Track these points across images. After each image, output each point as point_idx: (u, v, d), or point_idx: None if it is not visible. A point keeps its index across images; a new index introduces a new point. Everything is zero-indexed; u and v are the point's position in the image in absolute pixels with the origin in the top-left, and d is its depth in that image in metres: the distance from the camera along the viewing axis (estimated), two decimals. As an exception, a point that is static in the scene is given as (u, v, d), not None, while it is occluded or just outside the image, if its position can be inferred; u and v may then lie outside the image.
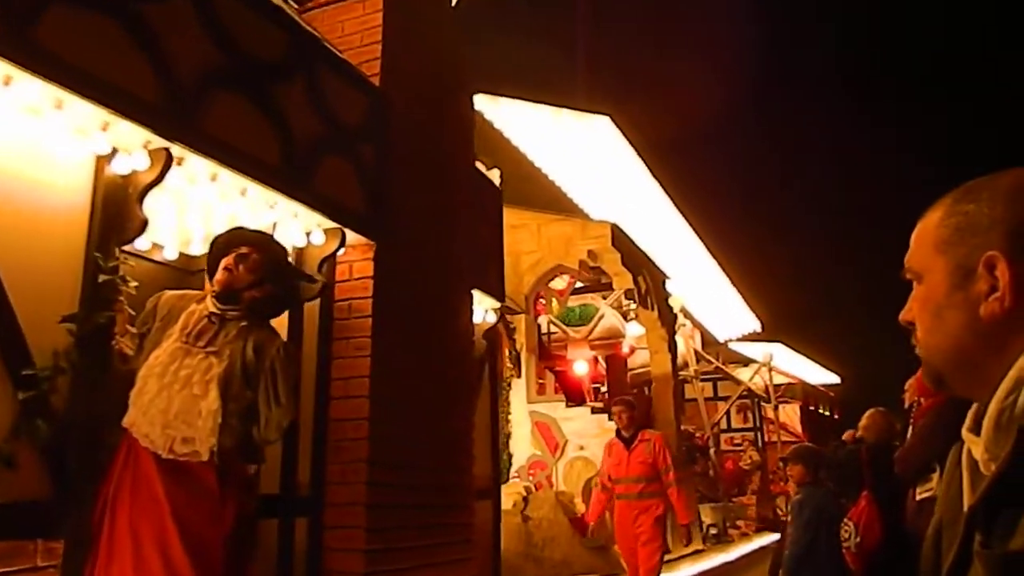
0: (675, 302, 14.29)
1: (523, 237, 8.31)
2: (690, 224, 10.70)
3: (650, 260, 9.04)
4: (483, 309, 5.01)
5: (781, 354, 18.95)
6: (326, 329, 3.72)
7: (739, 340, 17.62)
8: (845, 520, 4.39)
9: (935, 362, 0.87)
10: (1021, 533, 0.68)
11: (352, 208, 3.68)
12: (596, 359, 12.77)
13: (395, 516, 3.69)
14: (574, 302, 11.08)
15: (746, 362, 19.23)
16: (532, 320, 8.20)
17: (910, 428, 4.04)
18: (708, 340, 17.44)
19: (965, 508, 0.79)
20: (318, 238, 3.53)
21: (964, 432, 0.84)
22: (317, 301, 3.67)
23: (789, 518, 4.82)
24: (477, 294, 4.84)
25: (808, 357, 20.31)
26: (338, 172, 3.60)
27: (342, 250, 3.63)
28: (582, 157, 8.52)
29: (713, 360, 16.38)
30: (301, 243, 3.52)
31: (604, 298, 11.95)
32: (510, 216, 8.57)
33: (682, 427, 13.08)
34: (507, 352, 8.01)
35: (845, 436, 8.17)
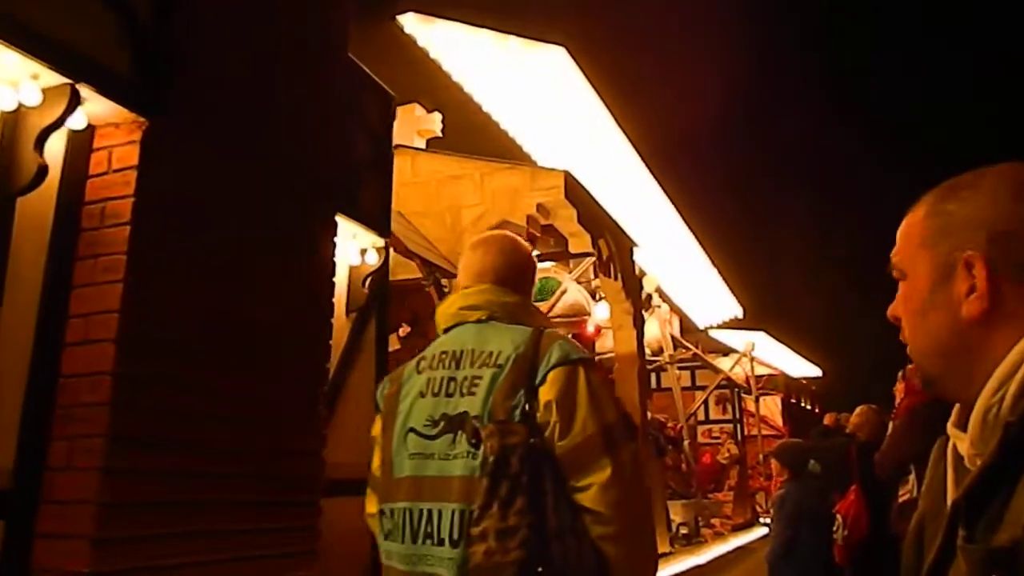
0: (649, 282, 13.06)
1: (465, 189, 7.02)
2: (664, 190, 9.41)
3: (614, 222, 7.76)
4: (359, 246, 3.75)
5: (763, 343, 17.75)
6: (65, 243, 2.45)
7: (720, 327, 16.37)
8: (835, 512, 4.33)
9: (922, 362, 0.86)
10: (1005, 529, 0.67)
11: (102, 61, 2.41)
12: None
13: (157, 519, 2.43)
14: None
15: (726, 351, 18.08)
16: (472, 285, 6.93)
17: (890, 426, 4.02)
18: (688, 327, 16.23)
19: (948, 502, 0.78)
20: (31, 96, 2.25)
21: (949, 427, 0.83)
22: (47, 202, 2.41)
23: (771, 513, 4.81)
24: (348, 224, 3.59)
25: (791, 348, 19.10)
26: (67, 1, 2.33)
27: (77, 119, 2.37)
28: (533, 96, 7.21)
29: (691, 347, 15.16)
30: (7, 105, 2.26)
31: (570, 272, 10.72)
32: (450, 165, 7.31)
33: (653, 416, 11.88)
34: (439, 321, 6.76)
35: (827, 420, 7.28)
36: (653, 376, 17.16)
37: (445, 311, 1.68)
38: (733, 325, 16.57)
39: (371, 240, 3.78)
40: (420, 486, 1.52)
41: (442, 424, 1.52)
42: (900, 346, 0.88)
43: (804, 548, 4.38)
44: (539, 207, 6.70)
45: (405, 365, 1.68)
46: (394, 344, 6.80)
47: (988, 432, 0.73)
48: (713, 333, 17.25)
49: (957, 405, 0.82)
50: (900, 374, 4.05)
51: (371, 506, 1.68)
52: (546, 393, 1.47)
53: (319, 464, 3.21)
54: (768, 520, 14.56)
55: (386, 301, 4.13)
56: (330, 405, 3.63)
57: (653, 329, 14.02)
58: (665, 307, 14.17)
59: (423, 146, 7.51)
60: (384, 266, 3.92)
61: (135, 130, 2.51)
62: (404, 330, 6.71)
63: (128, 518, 2.34)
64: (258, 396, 2.93)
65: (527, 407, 1.46)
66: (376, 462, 1.67)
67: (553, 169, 6.75)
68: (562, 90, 7.04)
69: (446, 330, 1.67)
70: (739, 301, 15.68)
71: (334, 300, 3.66)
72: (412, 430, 1.56)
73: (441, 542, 1.46)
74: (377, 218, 3.74)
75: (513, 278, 1.68)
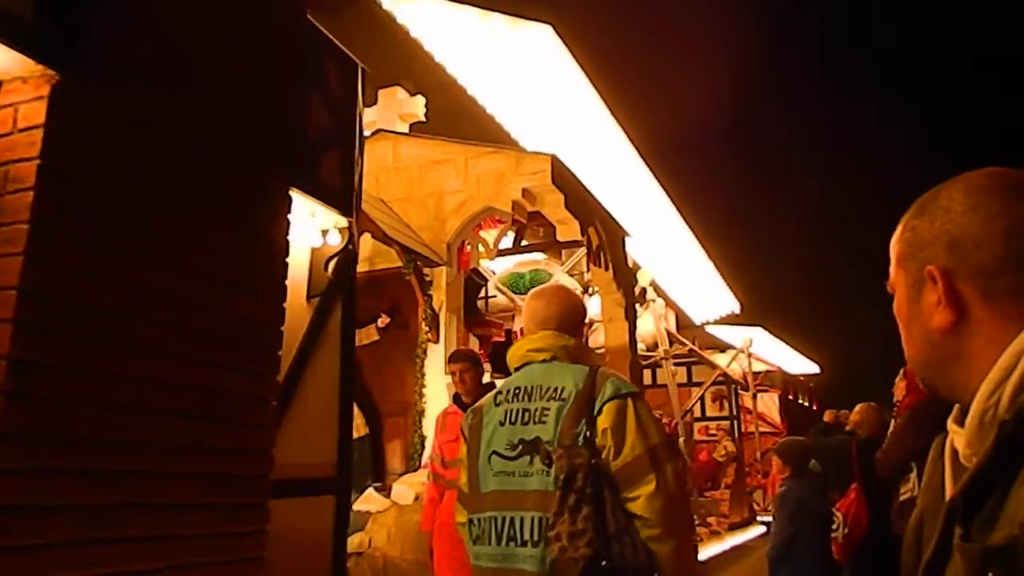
0: (644, 276, 12.76)
1: (447, 174, 6.73)
2: (657, 179, 9.10)
3: (604, 209, 7.47)
4: (319, 226, 3.46)
5: (761, 339, 17.47)
6: (-39, 211, 2.16)
7: (717, 323, 16.07)
8: (835, 510, 4.32)
9: (915, 370, 0.90)
10: (1001, 527, 0.67)
11: (1, 3, 2.12)
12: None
13: (69, 524, 2.14)
14: (524, 267, 9.52)
15: (723, 348, 17.79)
16: (456, 273, 6.62)
17: (891, 424, 4.03)
18: (684, 323, 15.93)
19: (946, 499, 0.78)
20: (-90, 38, 1.96)
21: (949, 423, 0.84)
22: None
23: (772, 511, 4.85)
24: (306, 201, 3.29)
25: (788, 344, 18.81)
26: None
27: (-33, 67, 2.07)
28: (519, 78, 6.89)
29: (687, 342, 14.87)
30: None
31: (562, 264, 10.42)
32: (433, 150, 7.01)
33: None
34: (421, 312, 6.46)
35: (827, 417, 7.12)
36: (648, 372, 16.88)
37: (515, 352, 2.06)
38: (730, 321, 16.29)
39: (333, 219, 3.48)
40: (504, 498, 1.87)
41: (520, 447, 1.87)
42: (897, 344, 0.91)
43: (805, 546, 4.33)
44: (525, 192, 6.41)
45: (484, 399, 2.08)
46: (372, 335, 6.50)
47: (985, 432, 0.74)
48: (710, 328, 16.95)
49: (957, 404, 0.82)
50: (901, 372, 4.02)
51: (460, 516, 2.05)
52: (603, 422, 1.81)
53: (267, 462, 2.91)
54: (765, 518, 14.32)
55: (353, 287, 3.83)
56: (285, 398, 3.34)
57: (648, 324, 13.72)
58: (660, 302, 13.87)
59: (406, 130, 7.22)
60: (348, 248, 3.62)
61: (43, 84, 2.20)
62: (383, 321, 6.41)
63: (31, 524, 2.04)
64: (196, 387, 2.63)
65: (588, 433, 1.80)
66: (463, 479, 2.03)
67: (539, 153, 6.45)
68: (549, 71, 6.73)
69: (516, 368, 2.05)
70: (736, 296, 15.37)
71: (290, 283, 3.37)
72: (495, 453, 1.91)
73: (524, 543, 1.80)
74: (339, 195, 3.44)
75: (569, 324, 2.06)
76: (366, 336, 6.47)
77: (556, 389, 1.88)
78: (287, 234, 3.06)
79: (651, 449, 1.81)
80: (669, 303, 14.51)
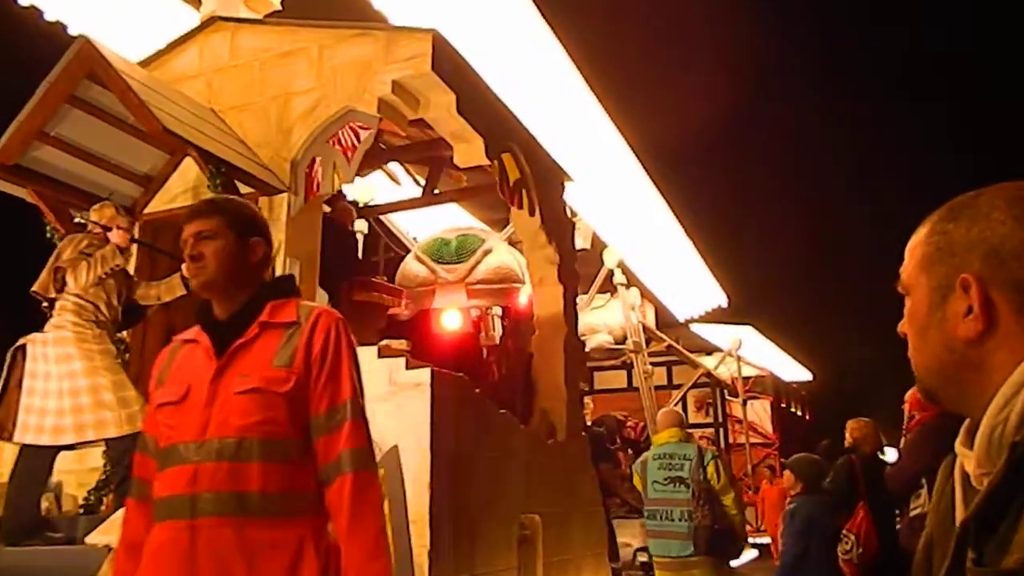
0: (611, 256, 10.75)
1: (297, 70, 4.71)
2: (606, 110, 7.04)
3: (529, 133, 5.45)
4: None
5: (750, 340, 15.40)
6: None
7: (702, 319, 13.98)
8: (845, 531, 4.29)
9: (923, 378, 0.86)
10: (1015, 551, 0.66)
11: None
12: (511, 321, 9.16)
13: None
14: (451, 234, 7.47)
15: (710, 351, 15.74)
16: (303, 203, 4.58)
17: (902, 440, 4.02)
18: (667, 321, 13.90)
19: (957, 522, 0.77)
20: None
21: (957, 445, 0.83)
22: None
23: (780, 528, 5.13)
24: None
25: (779, 347, 16.68)
26: None
27: None
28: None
29: (665, 337, 12.81)
30: None
31: (502, 229, 8.39)
32: (280, 40, 4.96)
33: (609, 413, 9.52)
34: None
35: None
36: (624, 375, 14.83)
37: (662, 436, 4.97)
38: (716, 316, 14.20)
39: None
40: (664, 502, 4.67)
41: (668, 480, 4.67)
42: (896, 355, 0.89)
43: (814, 564, 4.35)
44: (396, 87, 4.39)
45: (645, 457, 5.02)
46: (176, 289, 4.41)
47: (995, 451, 0.73)
48: (695, 327, 14.89)
49: (965, 423, 0.80)
50: (913, 388, 3.23)
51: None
52: (711, 469, 4.61)
53: None
54: (758, 540, 12.15)
55: None
56: None
57: (616, 313, 11.69)
58: (634, 291, 11.84)
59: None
60: None
61: None
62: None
63: None
64: None
65: (704, 474, 4.59)
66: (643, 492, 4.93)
67: (415, 29, 4.44)
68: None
69: (661, 444, 4.89)
70: (722, 288, 13.30)
71: None
72: (655, 482, 4.73)
73: (673, 520, 4.61)
74: None
75: (682, 424, 5.13)
76: (167, 291, 4.40)
77: (686, 454, 4.67)
78: None
79: (731, 478, 4.69)
80: (646, 294, 12.50)
